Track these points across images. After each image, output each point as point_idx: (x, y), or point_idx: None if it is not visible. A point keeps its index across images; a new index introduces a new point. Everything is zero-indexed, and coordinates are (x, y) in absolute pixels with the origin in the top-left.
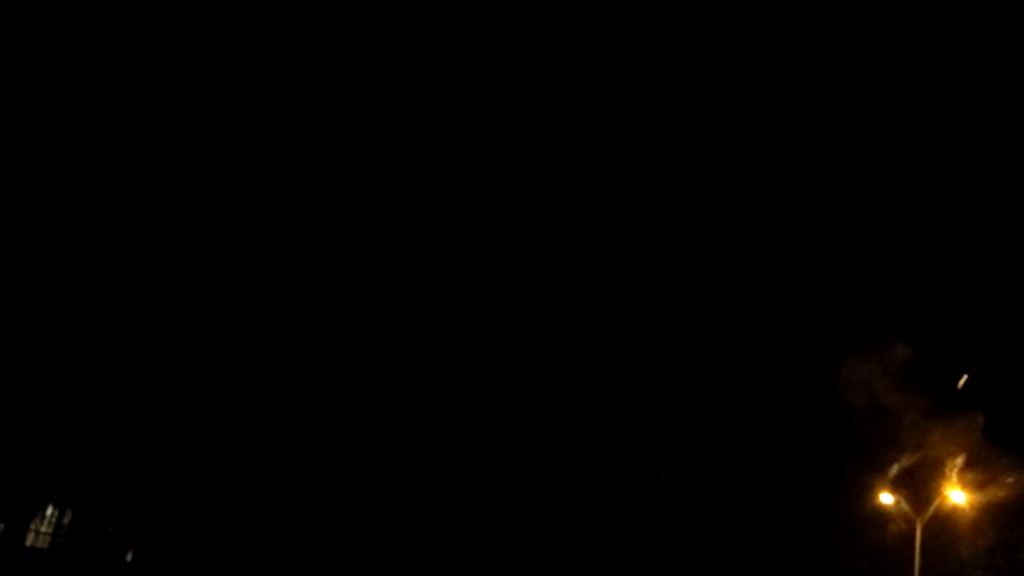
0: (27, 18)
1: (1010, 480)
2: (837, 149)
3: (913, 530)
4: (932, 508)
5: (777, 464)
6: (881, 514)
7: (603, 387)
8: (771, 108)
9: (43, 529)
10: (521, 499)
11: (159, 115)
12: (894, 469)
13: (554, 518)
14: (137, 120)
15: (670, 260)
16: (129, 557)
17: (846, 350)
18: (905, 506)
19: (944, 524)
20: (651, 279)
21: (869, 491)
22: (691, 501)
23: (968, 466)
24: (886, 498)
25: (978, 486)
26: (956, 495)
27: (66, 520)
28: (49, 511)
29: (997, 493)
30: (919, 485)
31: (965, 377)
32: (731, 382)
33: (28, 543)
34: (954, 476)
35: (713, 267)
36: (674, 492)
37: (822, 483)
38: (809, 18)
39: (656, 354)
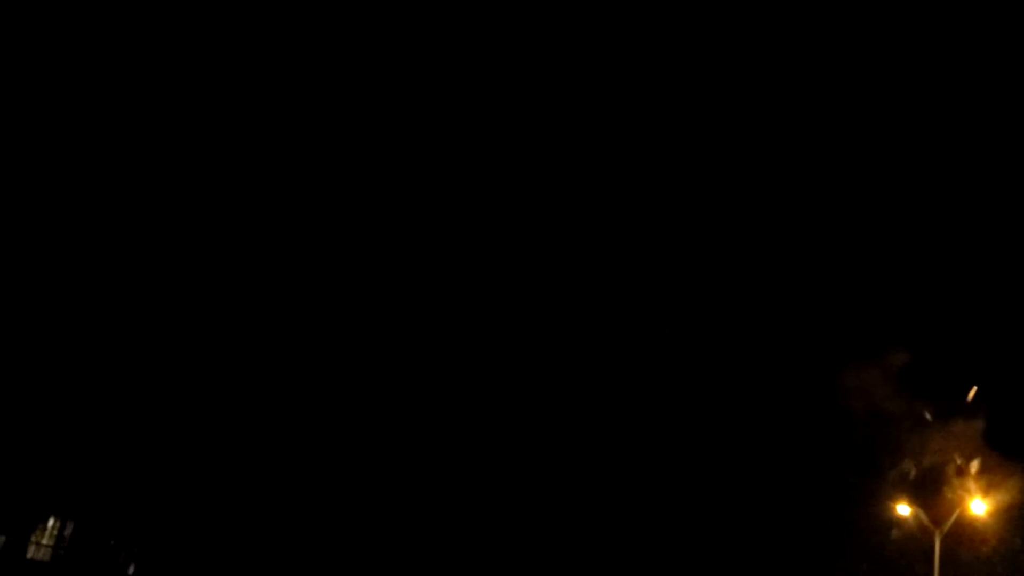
0: (27, 18)
1: (1012, 485)
2: (839, 157)
3: (918, 536)
4: (952, 519)
5: (779, 469)
6: (883, 519)
7: (606, 390)
8: (777, 119)
9: (44, 541)
10: (524, 501)
11: (159, 115)
12: (900, 476)
13: (554, 522)
14: (137, 120)
15: (673, 268)
16: (131, 570)
17: (848, 356)
18: (924, 517)
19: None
20: (654, 288)
21: (870, 497)
22: (692, 505)
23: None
24: (903, 509)
25: (980, 492)
26: (977, 505)
27: (67, 532)
28: (50, 523)
29: (999, 499)
30: (930, 493)
31: (975, 389)
32: (735, 387)
33: (29, 555)
34: (972, 484)
35: (719, 274)
36: (680, 499)
37: (824, 488)
38: (810, 18)
39: (667, 358)
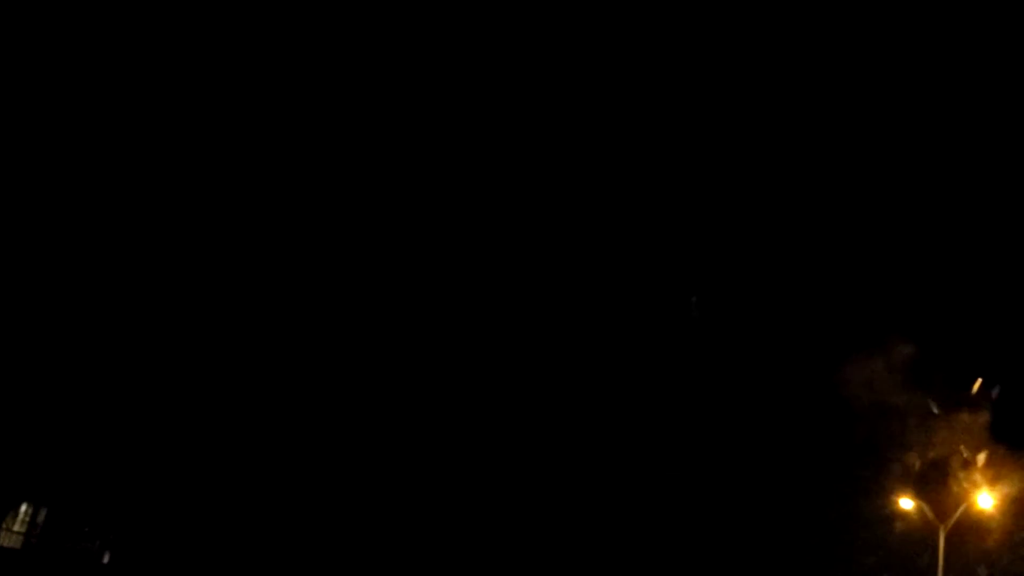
0: (27, 18)
1: (1018, 478)
2: (843, 148)
3: (923, 528)
4: (957, 514)
5: (785, 462)
6: (887, 512)
7: (610, 383)
8: (777, 112)
9: (16, 528)
10: (523, 495)
11: (159, 115)
12: (904, 470)
13: (558, 517)
14: (137, 120)
15: (681, 260)
16: (106, 558)
17: (853, 349)
18: (928, 512)
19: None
20: (661, 280)
21: (875, 489)
22: (700, 499)
23: (975, 465)
24: (906, 503)
25: (987, 484)
26: (984, 499)
27: (40, 519)
28: (23, 509)
29: (1005, 491)
30: (935, 487)
31: (980, 381)
32: (740, 380)
33: (0, 543)
34: (978, 477)
35: (724, 269)
36: (682, 490)
37: (829, 482)
38: (811, 18)
39: (674, 349)
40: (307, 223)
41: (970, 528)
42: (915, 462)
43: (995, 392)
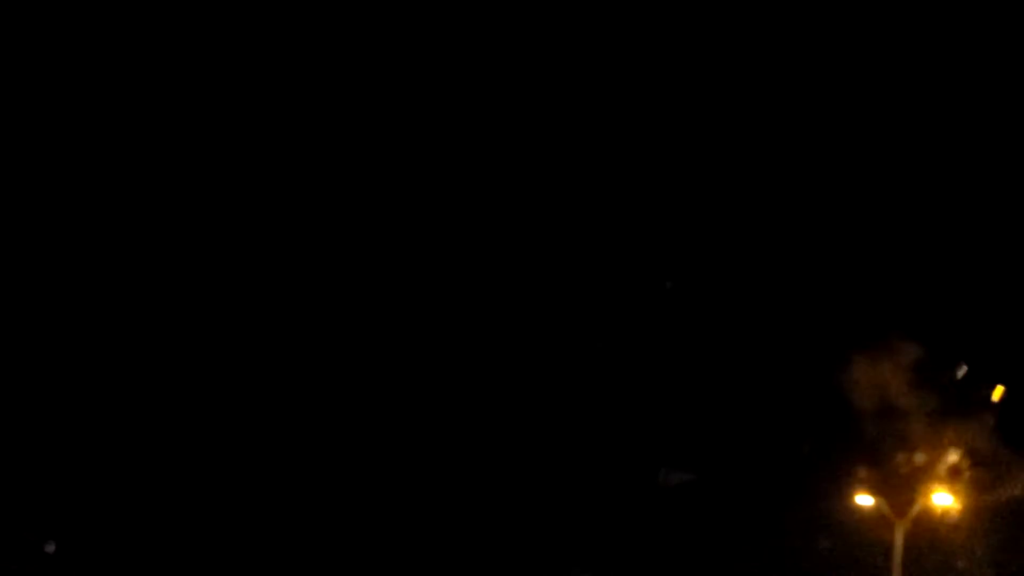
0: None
1: (1018, 480)
2: (846, 141)
3: (920, 528)
4: (913, 512)
5: (785, 461)
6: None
7: (604, 376)
8: (773, 94)
9: None
10: (512, 502)
11: (159, 115)
12: (889, 469)
13: (549, 525)
14: (137, 120)
15: (678, 253)
16: (51, 548)
17: (854, 347)
18: (885, 509)
19: (952, 523)
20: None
21: (879, 490)
22: (705, 506)
23: (975, 466)
24: (865, 499)
25: (986, 486)
26: (940, 498)
27: None
28: None
29: (1005, 493)
30: (914, 486)
31: (964, 368)
32: (739, 377)
33: None
34: (945, 477)
35: (720, 262)
36: (686, 496)
37: (831, 482)
38: (810, 17)
39: (672, 337)
40: (302, 221)
41: (972, 532)
42: (907, 464)
43: (961, 372)
